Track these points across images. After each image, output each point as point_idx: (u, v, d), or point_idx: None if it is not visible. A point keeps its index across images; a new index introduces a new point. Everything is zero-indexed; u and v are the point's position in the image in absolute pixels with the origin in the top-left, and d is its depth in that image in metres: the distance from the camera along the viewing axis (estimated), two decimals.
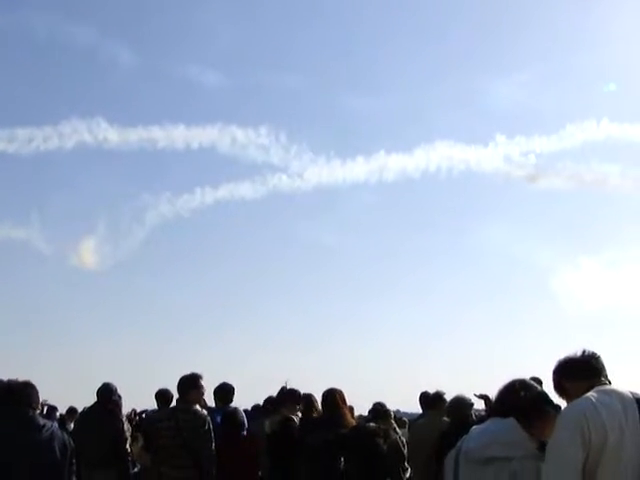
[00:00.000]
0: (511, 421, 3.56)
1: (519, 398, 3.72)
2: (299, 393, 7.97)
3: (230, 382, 8.40)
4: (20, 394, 4.88)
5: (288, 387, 8.07)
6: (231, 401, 8.26)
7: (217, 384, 8.35)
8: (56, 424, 4.97)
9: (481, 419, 5.64)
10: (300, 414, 7.77)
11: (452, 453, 3.81)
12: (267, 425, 7.86)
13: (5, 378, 7.38)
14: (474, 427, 3.81)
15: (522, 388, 3.79)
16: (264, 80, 47.41)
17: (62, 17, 42.23)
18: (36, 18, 40.76)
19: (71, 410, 12.56)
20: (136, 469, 8.83)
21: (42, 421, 4.85)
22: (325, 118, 47.39)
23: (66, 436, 4.95)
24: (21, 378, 7.46)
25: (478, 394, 7.41)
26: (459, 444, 3.80)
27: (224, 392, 8.22)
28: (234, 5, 48.53)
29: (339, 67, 51.65)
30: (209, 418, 7.02)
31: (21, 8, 43.03)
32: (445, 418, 7.78)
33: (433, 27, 52.77)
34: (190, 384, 7.02)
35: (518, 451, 3.46)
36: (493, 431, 3.59)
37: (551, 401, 3.80)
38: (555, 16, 50.98)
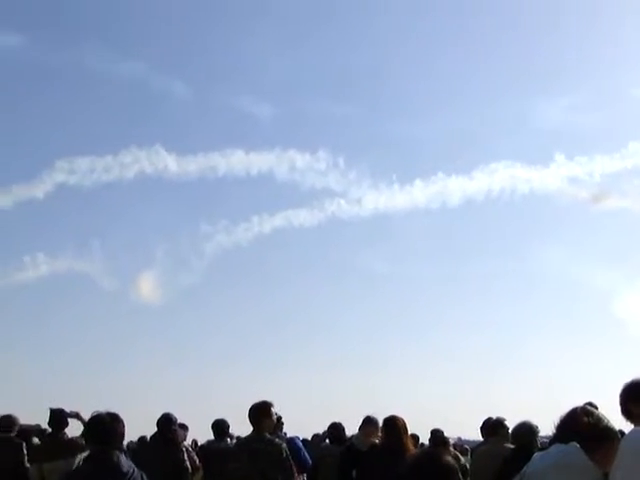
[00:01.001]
0: (573, 446, 3.49)
1: (582, 424, 3.65)
2: (368, 419, 8.09)
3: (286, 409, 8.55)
4: (108, 433, 4.82)
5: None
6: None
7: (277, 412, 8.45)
8: (136, 470, 4.93)
9: (544, 446, 5.55)
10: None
11: (516, 479, 3.76)
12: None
13: (67, 408, 7.70)
14: (537, 453, 3.76)
15: (585, 414, 3.72)
16: (314, 109, 47.89)
17: (115, 52, 43.54)
18: (90, 54, 42.17)
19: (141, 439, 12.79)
20: None
21: (126, 467, 4.79)
22: (379, 144, 47.25)
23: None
24: (85, 411, 7.70)
25: None
26: (523, 470, 3.74)
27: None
28: (281, 35, 49.22)
29: (387, 93, 51.77)
30: (285, 446, 6.96)
31: (76, 45, 44.56)
32: (507, 444, 7.66)
33: (478, 50, 52.51)
34: (262, 412, 6.95)
35: (581, 476, 3.37)
36: (554, 455, 3.54)
37: (613, 428, 3.71)
38: (609, 34, 50.22)
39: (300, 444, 8.49)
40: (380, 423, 8.16)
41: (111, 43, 45.97)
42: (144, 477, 4.90)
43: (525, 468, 3.76)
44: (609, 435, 3.63)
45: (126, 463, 4.84)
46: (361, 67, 49.07)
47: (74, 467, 8.02)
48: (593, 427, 3.62)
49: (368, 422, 8.13)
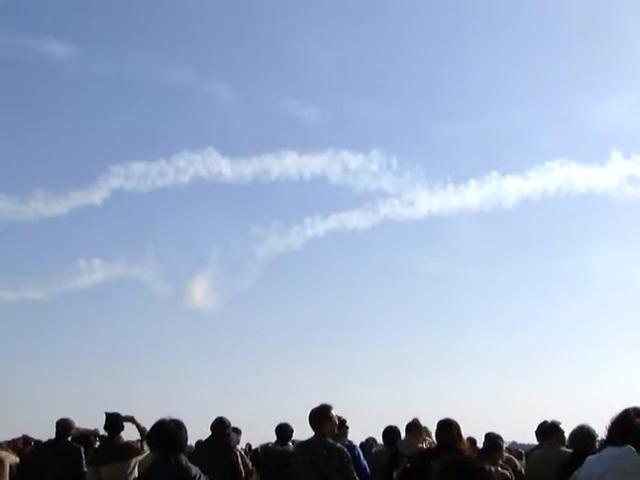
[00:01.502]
0: (627, 449, 3.41)
1: (635, 425, 3.56)
2: (412, 423, 8.06)
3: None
4: (174, 439, 4.97)
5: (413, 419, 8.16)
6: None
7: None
8: (203, 475, 5.03)
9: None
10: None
11: None
12: None
13: (122, 413, 7.82)
14: (589, 457, 3.69)
15: (638, 415, 3.63)
16: (361, 111, 47.84)
17: (160, 58, 44.29)
18: (135, 61, 42.94)
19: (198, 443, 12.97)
20: None
21: (194, 471, 4.92)
22: (429, 146, 47.24)
23: None
24: (139, 415, 7.82)
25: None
26: (575, 473, 3.68)
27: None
28: (323, 36, 49.36)
29: (433, 94, 51.49)
30: (347, 451, 6.89)
31: (121, 52, 45.49)
32: (563, 448, 7.53)
33: (526, 49, 51.74)
34: (323, 416, 6.92)
35: (635, 478, 3.29)
36: (608, 458, 3.46)
37: None
38: None
39: (360, 452, 8.44)
40: (426, 427, 8.14)
41: (156, 49, 46.80)
42: None
43: (577, 472, 3.70)
44: None
45: (193, 467, 4.98)
46: (405, 68, 48.96)
47: (130, 470, 8.20)
48: None
49: (413, 427, 8.08)
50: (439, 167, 47.83)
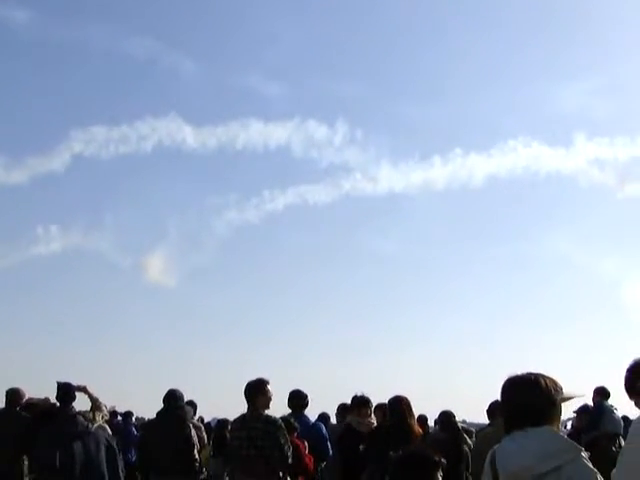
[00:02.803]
0: (547, 429, 3.27)
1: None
2: (365, 399, 8.06)
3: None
4: None
5: (359, 394, 8.16)
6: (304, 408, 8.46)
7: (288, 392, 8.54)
8: None
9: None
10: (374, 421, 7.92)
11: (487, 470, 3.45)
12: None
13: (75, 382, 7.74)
14: (505, 444, 3.38)
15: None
16: (323, 87, 47.58)
17: (121, 29, 43.54)
18: (95, 30, 42.11)
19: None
20: (203, 476, 8.97)
21: None
22: (394, 124, 47.19)
23: None
24: (92, 385, 7.78)
25: None
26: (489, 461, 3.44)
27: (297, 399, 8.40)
28: (289, 12, 48.83)
29: (397, 74, 51.44)
30: (281, 423, 6.99)
31: (81, 20, 44.58)
32: None
33: (487, 32, 51.93)
34: (257, 390, 6.99)
35: (566, 456, 3.20)
36: (540, 445, 3.22)
37: None
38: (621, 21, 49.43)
39: (324, 432, 8.45)
40: (373, 403, 8.19)
41: (116, 19, 46.02)
42: None
43: (491, 460, 3.42)
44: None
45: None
46: (370, 47, 48.78)
47: None
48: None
49: (362, 402, 8.10)
50: (403, 144, 47.90)
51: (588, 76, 49.26)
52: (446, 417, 9.59)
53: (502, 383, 3.49)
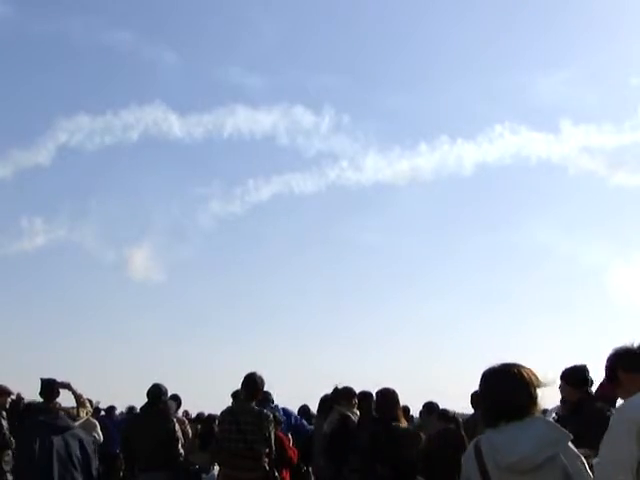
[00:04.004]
0: (541, 419, 3.38)
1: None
2: (354, 391, 8.05)
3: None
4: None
5: (341, 386, 8.15)
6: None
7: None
8: None
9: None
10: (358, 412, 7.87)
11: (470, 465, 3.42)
12: (326, 424, 7.89)
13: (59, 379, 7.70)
14: (493, 436, 3.36)
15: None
16: (305, 79, 47.38)
17: (100, 21, 43.03)
18: (75, 23, 41.54)
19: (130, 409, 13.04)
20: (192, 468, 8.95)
21: None
22: (380, 115, 47.12)
23: None
24: (78, 383, 7.74)
25: None
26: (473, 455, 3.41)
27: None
28: (270, 4, 48.48)
29: (381, 65, 51.30)
30: (271, 416, 7.07)
31: (60, 14, 43.91)
32: None
33: (468, 22, 51.92)
34: (261, 384, 7.19)
35: (561, 444, 3.26)
36: (536, 435, 3.25)
37: None
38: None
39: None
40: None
41: (96, 11, 45.33)
42: None
43: (474, 451, 3.45)
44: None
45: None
46: (354, 39, 48.62)
47: None
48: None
49: (352, 394, 8.10)
50: (388, 132, 47.86)
51: (568, 64, 49.44)
52: (431, 407, 9.66)
53: (482, 374, 3.52)
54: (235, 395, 8.98)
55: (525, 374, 3.39)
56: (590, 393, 5.74)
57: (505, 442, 3.25)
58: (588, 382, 5.76)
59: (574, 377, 5.66)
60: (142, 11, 46.63)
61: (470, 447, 3.47)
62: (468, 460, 3.43)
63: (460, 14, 49.28)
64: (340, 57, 49.04)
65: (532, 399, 3.36)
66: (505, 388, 3.37)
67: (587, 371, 5.80)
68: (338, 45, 49.21)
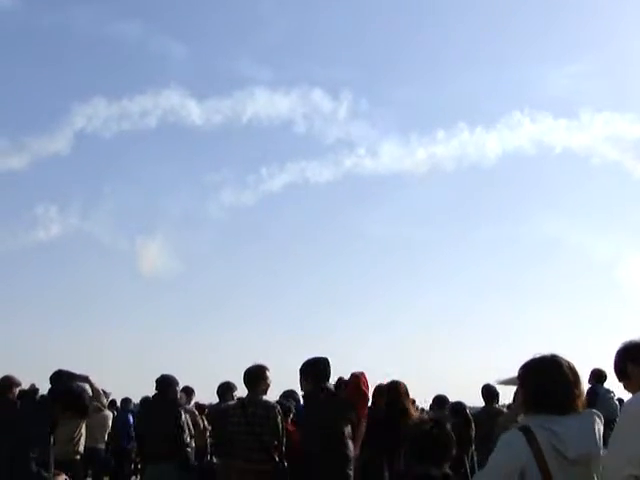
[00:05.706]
0: (594, 412, 3.40)
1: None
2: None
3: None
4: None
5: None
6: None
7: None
8: None
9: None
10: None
11: (521, 449, 3.28)
12: None
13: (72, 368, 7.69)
14: (556, 428, 3.28)
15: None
16: (315, 74, 47.29)
17: (109, 13, 43.21)
18: (81, 14, 41.74)
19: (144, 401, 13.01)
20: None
21: None
22: (392, 104, 47.11)
23: None
24: (93, 373, 7.77)
25: None
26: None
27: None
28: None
29: (393, 60, 51.16)
30: (279, 408, 7.06)
31: (67, 5, 44.16)
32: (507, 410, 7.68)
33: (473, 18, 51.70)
34: (258, 376, 7.10)
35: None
36: (598, 429, 3.35)
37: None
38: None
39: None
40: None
41: (105, 3, 45.48)
42: None
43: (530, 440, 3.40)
44: None
45: None
46: (364, 33, 48.50)
47: (78, 431, 8.17)
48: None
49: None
50: (405, 121, 47.91)
51: (578, 59, 49.19)
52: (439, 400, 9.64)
53: (538, 362, 3.47)
54: (218, 392, 9.08)
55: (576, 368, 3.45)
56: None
57: (572, 434, 3.24)
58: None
59: None
60: (149, 3, 46.77)
61: (516, 434, 3.31)
62: (514, 447, 3.28)
63: (474, 6, 49.14)
64: (349, 50, 49.03)
65: (582, 393, 3.42)
66: (566, 379, 3.37)
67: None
68: (350, 37, 49.18)
